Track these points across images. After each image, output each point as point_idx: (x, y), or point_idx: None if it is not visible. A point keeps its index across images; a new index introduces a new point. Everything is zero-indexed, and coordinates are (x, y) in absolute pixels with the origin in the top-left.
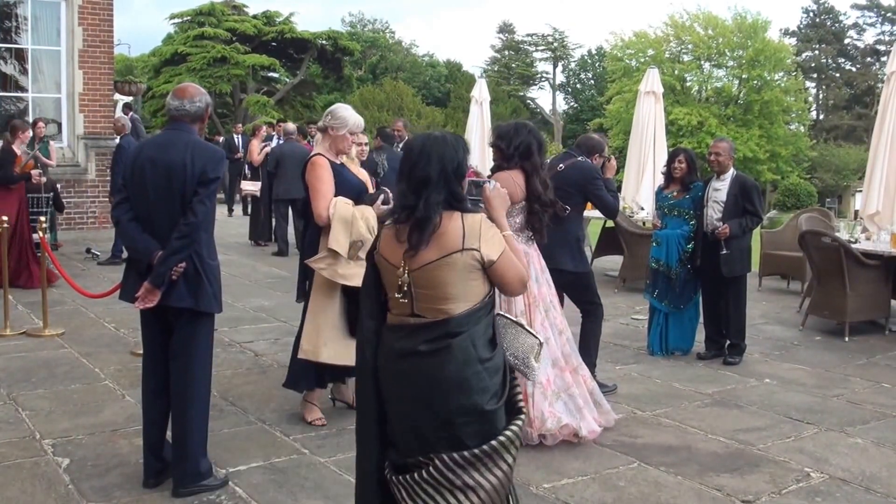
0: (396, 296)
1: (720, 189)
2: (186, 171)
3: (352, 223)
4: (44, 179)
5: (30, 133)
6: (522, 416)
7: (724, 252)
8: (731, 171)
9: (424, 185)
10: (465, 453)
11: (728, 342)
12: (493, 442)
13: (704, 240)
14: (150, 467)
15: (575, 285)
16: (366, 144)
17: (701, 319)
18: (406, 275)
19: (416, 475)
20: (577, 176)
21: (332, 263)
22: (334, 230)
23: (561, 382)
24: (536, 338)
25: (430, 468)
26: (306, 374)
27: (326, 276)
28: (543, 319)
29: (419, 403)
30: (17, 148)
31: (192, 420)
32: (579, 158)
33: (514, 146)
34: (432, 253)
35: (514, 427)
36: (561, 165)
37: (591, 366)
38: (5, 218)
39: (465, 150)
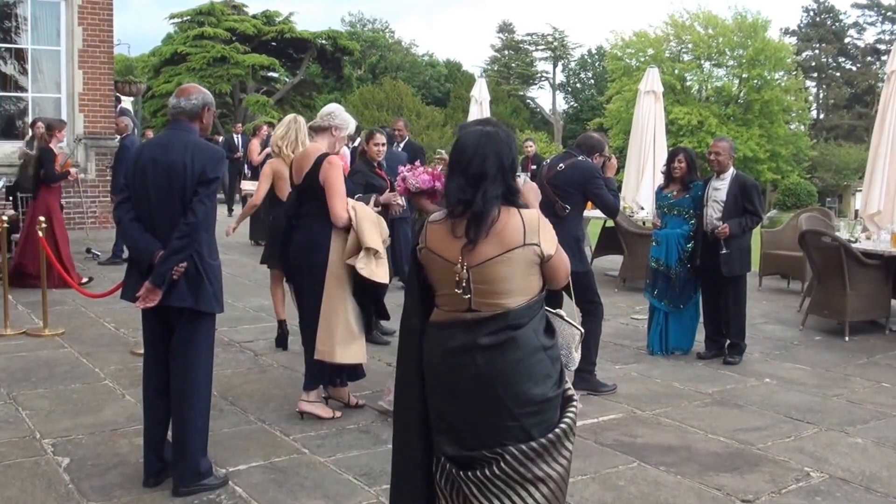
0: (456, 291)
1: (720, 189)
2: (187, 171)
3: (378, 222)
4: (81, 176)
5: (65, 133)
6: (575, 403)
7: (724, 251)
8: (731, 171)
9: (482, 179)
10: (534, 444)
11: (728, 342)
12: (557, 430)
13: (704, 239)
14: (150, 467)
15: (575, 285)
16: (383, 144)
17: (701, 319)
18: (465, 270)
19: (486, 471)
20: (577, 175)
21: (369, 262)
22: (368, 231)
23: None
24: (578, 328)
25: (502, 463)
26: (321, 374)
27: (366, 276)
28: None
29: (484, 398)
30: (55, 147)
31: (192, 420)
32: (580, 158)
33: None
34: (493, 248)
35: (570, 414)
36: (561, 165)
37: (591, 365)
38: (5, 218)
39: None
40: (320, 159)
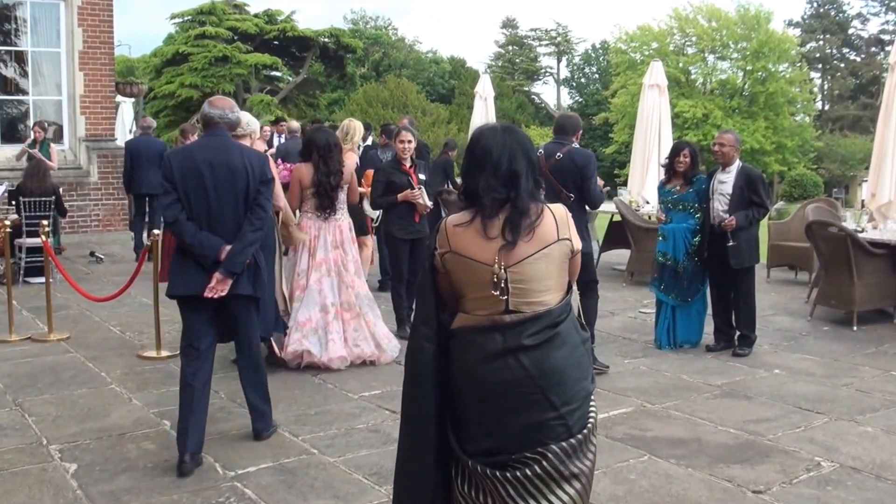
0: (493, 293)
1: (726, 181)
2: (248, 172)
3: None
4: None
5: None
6: (593, 399)
7: (731, 244)
8: (737, 163)
9: (516, 177)
10: (573, 440)
11: (738, 333)
12: (589, 424)
13: (711, 232)
14: (185, 448)
15: (582, 265)
16: (409, 142)
17: (709, 311)
18: (503, 271)
19: (527, 471)
20: (580, 160)
21: (290, 229)
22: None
23: (322, 322)
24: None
25: (544, 462)
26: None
27: (295, 235)
28: (322, 277)
29: (530, 399)
30: None
31: (265, 383)
32: (574, 145)
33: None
34: (531, 246)
35: (594, 407)
36: (559, 154)
37: (591, 337)
38: (8, 222)
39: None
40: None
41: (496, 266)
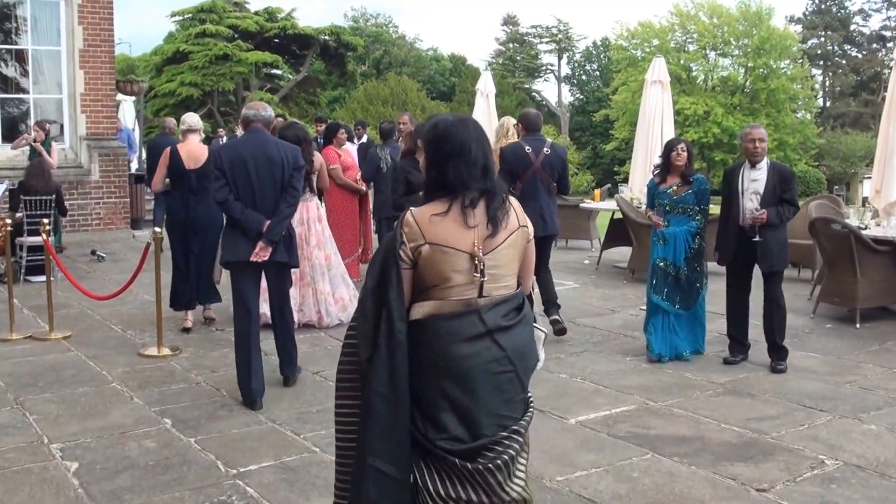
0: (475, 276)
1: (757, 179)
2: (283, 161)
3: None
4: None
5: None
6: None
7: (758, 239)
8: (766, 160)
9: (489, 168)
10: (530, 412)
11: (771, 346)
12: (530, 394)
13: (741, 234)
14: (256, 392)
15: (548, 244)
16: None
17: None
18: (482, 255)
19: (511, 452)
20: (562, 152)
21: None
22: None
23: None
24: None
25: (520, 438)
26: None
27: None
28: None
29: (504, 378)
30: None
31: (294, 338)
32: (549, 140)
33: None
34: (503, 233)
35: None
36: (546, 149)
37: (554, 303)
38: (9, 221)
39: None
40: (211, 152)
41: (477, 252)
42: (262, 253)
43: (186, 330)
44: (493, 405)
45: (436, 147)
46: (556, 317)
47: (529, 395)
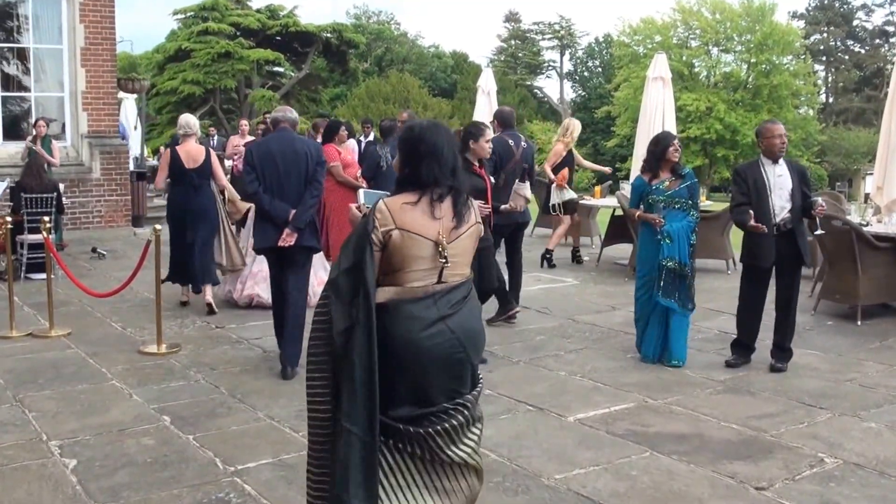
0: (439, 261)
1: (783, 175)
2: (307, 156)
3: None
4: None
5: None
6: None
7: (819, 232)
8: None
9: (457, 169)
10: (479, 386)
11: (776, 346)
12: (479, 372)
13: (778, 233)
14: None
15: (523, 230)
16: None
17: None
18: (446, 244)
19: (454, 421)
20: (533, 146)
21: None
22: (231, 190)
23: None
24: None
25: (466, 411)
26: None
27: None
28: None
29: (457, 357)
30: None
31: (302, 325)
32: (521, 136)
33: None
34: (464, 226)
35: None
36: (523, 143)
37: (518, 289)
38: (9, 219)
39: None
40: (208, 152)
41: (441, 240)
42: (288, 238)
43: (184, 304)
44: (443, 382)
45: (411, 148)
46: (513, 304)
47: (479, 373)
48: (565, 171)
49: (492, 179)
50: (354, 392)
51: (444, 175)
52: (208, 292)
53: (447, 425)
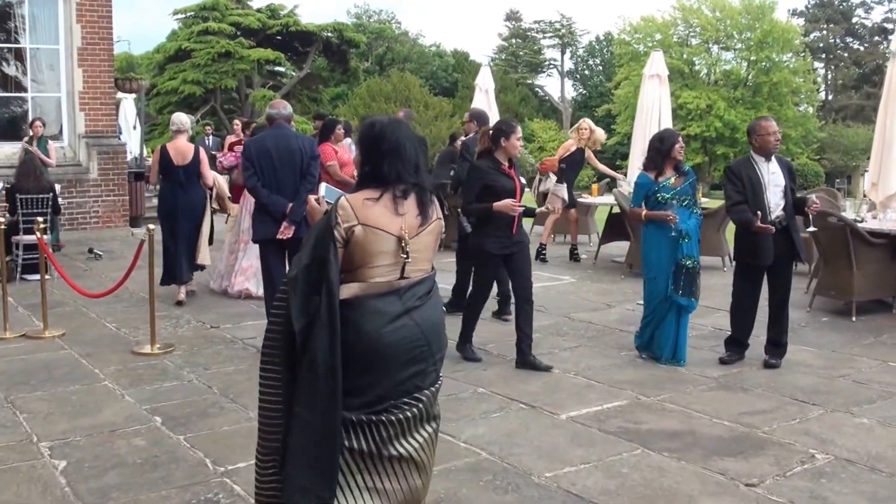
0: (401, 256)
1: (776, 172)
2: (303, 151)
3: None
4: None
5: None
6: None
7: (812, 229)
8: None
9: (419, 166)
10: (439, 383)
11: (770, 342)
12: (439, 368)
13: (771, 228)
14: None
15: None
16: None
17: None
18: (409, 239)
19: (407, 413)
20: None
21: (222, 200)
22: (221, 185)
23: (259, 267)
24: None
25: (420, 405)
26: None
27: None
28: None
29: (420, 351)
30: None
31: None
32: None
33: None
34: (427, 222)
35: None
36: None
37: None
38: (2, 220)
39: None
40: (197, 149)
41: (404, 235)
42: (286, 231)
43: (179, 303)
44: (404, 376)
45: (373, 145)
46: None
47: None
48: (553, 161)
49: (522, 180)
50: (315, 386)
51: (408, 172)
52: (183, 289)
53: (401, 416)
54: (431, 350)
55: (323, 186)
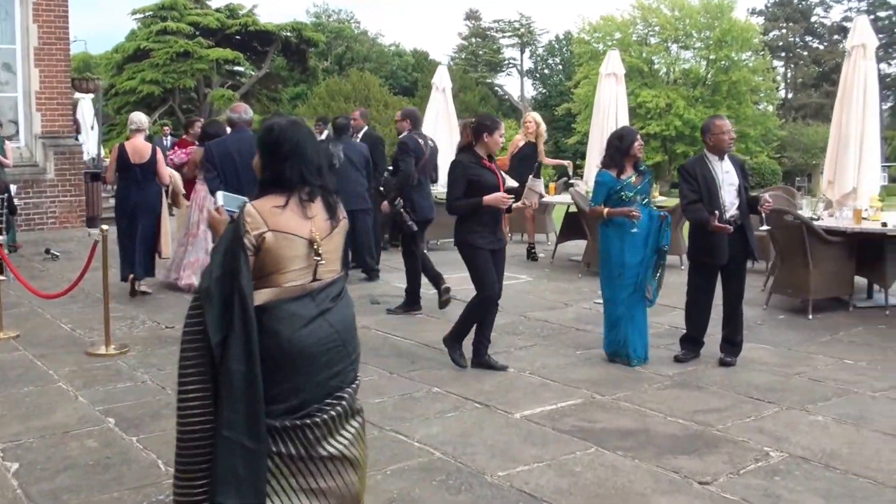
0: (314, 259)
1: (729, 171)
2: None
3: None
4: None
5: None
6: None
7: (766, 228)
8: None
9: (322, 167)
10: (357, 380)
11: (726, 341)
12: (357, 366)
13: (727, 228)
14: None
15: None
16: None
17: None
18: (320, 241)
19: (332, 413)
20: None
21: (177, 198)
22: (177, 183)
23: (206, 261)
24: None
25: (344, 403)
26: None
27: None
28: (207, 228)
29: (336, 353)
30: None
31: None
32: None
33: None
34: (335, 223)
35: None
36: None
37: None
38: None
39: None
40: (154, 149)
41: (315, 237)
42: None
43: (144, 293)
44: (323, 377)
45: (273, 148)
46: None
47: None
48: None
49: (502, 173)
50: (235, 400)
51: (311, 173)
52: (143, 282)
53: (325, 417)
54: (347, 350)
55: (220, 195)
